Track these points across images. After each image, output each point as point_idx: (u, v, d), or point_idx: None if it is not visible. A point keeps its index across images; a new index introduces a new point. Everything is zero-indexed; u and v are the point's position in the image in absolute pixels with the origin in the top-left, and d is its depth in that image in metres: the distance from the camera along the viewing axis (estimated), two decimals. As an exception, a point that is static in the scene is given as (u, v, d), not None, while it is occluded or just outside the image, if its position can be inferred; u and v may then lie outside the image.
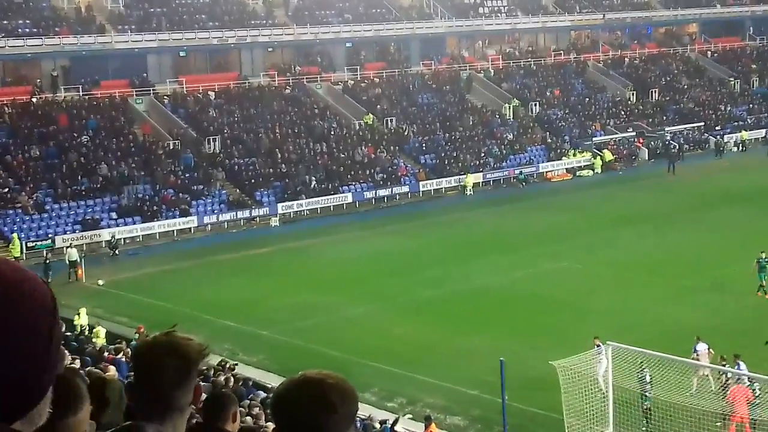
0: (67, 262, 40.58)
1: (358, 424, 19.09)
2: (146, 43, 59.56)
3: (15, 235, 43.96)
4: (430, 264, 39.54)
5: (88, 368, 13.62)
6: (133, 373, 2.74)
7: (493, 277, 37.18)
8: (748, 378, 22.04)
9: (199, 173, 53.23)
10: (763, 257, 33.61)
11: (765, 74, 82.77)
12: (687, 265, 37.43)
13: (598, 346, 23.76)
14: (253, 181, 53.76)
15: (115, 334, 29.14)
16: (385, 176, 56.99)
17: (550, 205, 53.16)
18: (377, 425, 21.14)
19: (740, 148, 70.00)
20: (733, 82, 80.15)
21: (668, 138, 68.52)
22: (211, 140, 56.01)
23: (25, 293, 1.77)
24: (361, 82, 66.91)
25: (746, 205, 48.61)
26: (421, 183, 57.68)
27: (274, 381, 24.18)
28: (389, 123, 62.99)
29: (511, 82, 72.25)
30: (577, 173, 63.19)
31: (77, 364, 16.89)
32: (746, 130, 71.92)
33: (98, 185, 49.66)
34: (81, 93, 56.74)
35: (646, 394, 22.69)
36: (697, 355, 24.66)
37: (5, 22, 56.63)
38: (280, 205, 52.21)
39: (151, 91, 58.77)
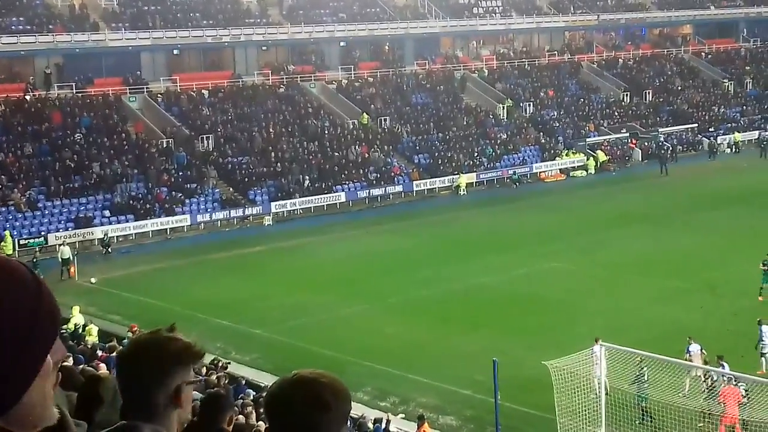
0: (60, 259, 40.49)
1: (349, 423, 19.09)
2: (140, 41, 59.47)
3: (7, 232, 43.89)
4: (423, 264, 39.52)
5: (81, 366, 13.60)
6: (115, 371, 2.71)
7: (487, 277, 37.14)
8: (734, 378, 22.14)
9: (193, 172, 53.17)
10: None
11: (758, 76, 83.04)
12: (680, 266, 37.45)
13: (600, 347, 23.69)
14: (246, 179, 53.72)
15: (108, 332, 29.06)
16: (378, 176, 56.99)
17: (544, 205, 53.19)
18: (370, 425, 21.13)
19: (733, 149, 70.15)
20: (726, 84, 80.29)
21: (662, 139, 68.66)
22: (205, 139, 55.96)
23: None
24: (355, 81, 66.87)
25: (739, 206, 48.74)
26: (414, 183, 57.71)
27: (267, 380, 24.17)
28: (383, 122, 62.98)
29: (505, 82, 72.29)
30: (571, 174, 63.26)
31: (69, 362, 16.84)
32: (739, 132, 72.13)
33: (91, 183, 49.60)
34: (74, 91, 56.60)
35: (643, 394, 22.71)
36: (690, 355, 24.72)
37: (-1, 19, 56.57)
38: (273, 204, 52.18)
39: (145, 89, 58.65)
